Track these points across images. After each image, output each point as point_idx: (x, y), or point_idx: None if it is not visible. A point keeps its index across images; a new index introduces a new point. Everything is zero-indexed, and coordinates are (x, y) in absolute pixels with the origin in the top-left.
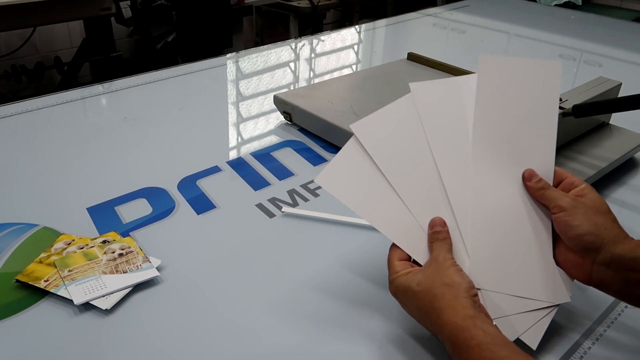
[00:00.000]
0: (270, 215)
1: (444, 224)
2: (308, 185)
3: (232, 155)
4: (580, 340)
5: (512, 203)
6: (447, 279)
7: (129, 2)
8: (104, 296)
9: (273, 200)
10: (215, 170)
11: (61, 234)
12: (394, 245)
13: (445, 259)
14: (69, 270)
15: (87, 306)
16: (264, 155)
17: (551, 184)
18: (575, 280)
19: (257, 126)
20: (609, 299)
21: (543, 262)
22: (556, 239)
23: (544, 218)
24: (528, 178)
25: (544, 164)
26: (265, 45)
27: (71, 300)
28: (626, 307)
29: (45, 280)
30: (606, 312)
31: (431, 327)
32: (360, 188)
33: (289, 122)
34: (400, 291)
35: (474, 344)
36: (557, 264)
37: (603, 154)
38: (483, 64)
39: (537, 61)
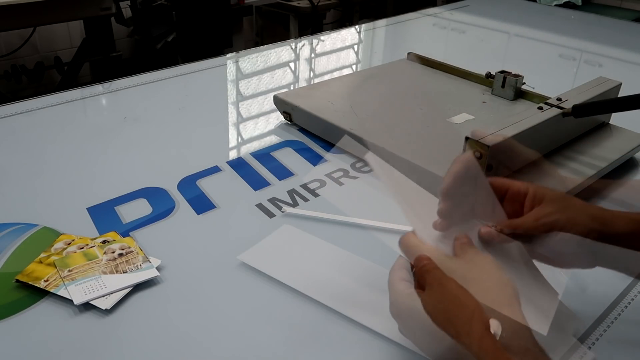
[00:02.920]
0: (270, 215)
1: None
2: (308, 185)
3: (232, 155)
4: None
5: None
6: (458, 301)
7: (129, 2)
8: (103, 296)
9: (273, 200)
10: (215, 170)
11: (61, 234)
12: (396, 265)
13: (448, 280)
14: (69, 270)
15: (87, 306)
16: (264, 155)
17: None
18: (569, 282)
19: (257, 126)
20: (599, 308)
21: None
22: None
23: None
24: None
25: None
26: (265, 45)
27: (71, 300)
28: (617, 318)
29: (45, 280)
30: (595, 324)
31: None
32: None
33: (289, 122)
34: (404, 311)
35: None
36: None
37: (603, 154)
38: None
39: None
